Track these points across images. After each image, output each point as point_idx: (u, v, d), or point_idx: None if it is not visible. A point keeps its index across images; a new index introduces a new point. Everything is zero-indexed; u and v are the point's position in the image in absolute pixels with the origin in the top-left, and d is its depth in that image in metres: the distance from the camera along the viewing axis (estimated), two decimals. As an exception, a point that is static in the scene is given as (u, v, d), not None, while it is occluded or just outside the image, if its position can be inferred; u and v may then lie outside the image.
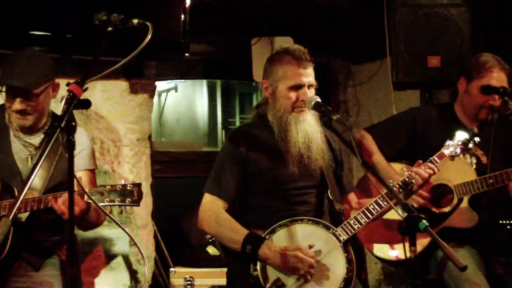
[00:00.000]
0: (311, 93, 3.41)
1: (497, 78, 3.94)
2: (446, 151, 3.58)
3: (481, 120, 4.02)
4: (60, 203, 3.23)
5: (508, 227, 4.24)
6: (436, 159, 3.55)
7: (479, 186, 3.86)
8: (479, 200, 3.94)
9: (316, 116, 3.41)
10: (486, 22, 4.74)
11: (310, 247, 3.24)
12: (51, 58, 3.61)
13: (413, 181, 3.42)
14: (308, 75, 3.41)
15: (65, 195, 3.23)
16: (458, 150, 3.59)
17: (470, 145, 3.61)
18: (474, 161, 4.04)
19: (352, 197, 3.66)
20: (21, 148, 3.52)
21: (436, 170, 3.50)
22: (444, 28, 4.59)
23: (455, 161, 3.98)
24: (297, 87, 3.39)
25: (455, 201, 3.94)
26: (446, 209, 3.96)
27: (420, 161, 3.51)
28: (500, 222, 4.21)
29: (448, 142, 3.60)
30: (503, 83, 3.95)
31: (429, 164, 3.52)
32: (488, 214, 3.96)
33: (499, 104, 3.98)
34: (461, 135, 3.61)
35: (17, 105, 3.42)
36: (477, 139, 3.61)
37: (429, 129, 4.06)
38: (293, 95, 3.39)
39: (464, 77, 4.07)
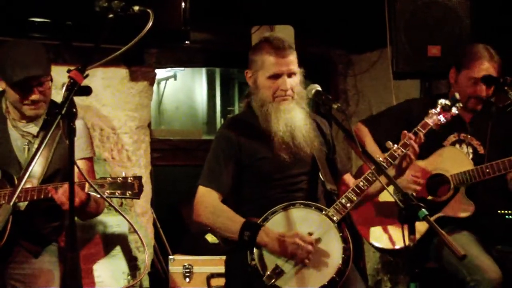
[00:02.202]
0: (293, 81, 3.40)
1: (486, 69, 3.95)
2: (429, 120, 3.53)
3: (471, 109, 4.03)
4: (60, 193, 3.24)
5: (506, 217, 4.26)
6: (421, 128, 3.50)
7: (476, 175, 3.88)
8: (475, 189, 3.96)
9: (300, 102, 3.41)
10: (487, 12, 4.73)
11: (310, 234, 3.24)
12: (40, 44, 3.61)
13: (398, 155, 3.40)
14: (288, 63, 3.38)
15: (65, 186, 3.23)
16: (441, 118, 3.54)
17: (453, 110, 3.57)
18: (471, 150, 4.06)
19: (349, 178, 3.66)
20: (18, 137, 3.52)
21: (422, 139, 3.45)
22: (445, 18, 4.60)
23: (452, 151, 4.01)
24: (276, 77, 3.38)
25: (451, 190, 3.96)
26: (443, 199, 3.98)
27: (405, 131, 3.47)
28: (498, 212, 4.23)
29: (431, 111, 3.56)
30: (492, 74, 3.96)
31: (414, 136, 3.46)
32: (484, 203, 3.98)
33: (486, 95, 3.99)
34: (442, 101, 3.58)
35: (35, 95, 3.41)
36: (459, 105, 3.58)
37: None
38: (272, 84, 3.38)
39: (455, 67, 4.08)
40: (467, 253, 3.69)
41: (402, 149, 3.41)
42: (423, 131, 3.49)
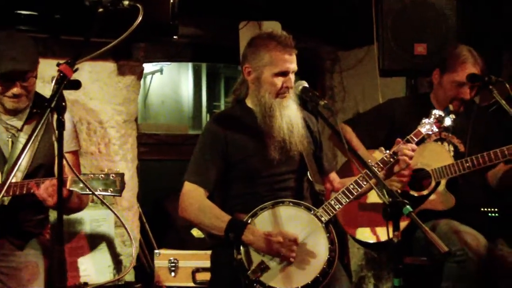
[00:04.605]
0: (293, 78, 3.43)
1: (469, 73, 3.99)
2: (423, 129, 3.59)
3: (453, 111, 4.07)
4: (42, 190, 3.23)
5: (489, 214, 4.31)
6: (413, 137, 3.55)
7: (456, 169, 3.93)
8: (456, 184, 4.01)
9: (295, 100, 3.43)
10: (473, 11, 4.77)
11: (296, 236, 3.25)
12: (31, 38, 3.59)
13: (392, 160, 3.44)
14: (293, 61, 3.40)
15: (47, 182, 3.23)
16: (434, 128, 3.61)
17: (446, 122, 3.63)
18: (452, 148, 4.11)
19: (334, 176, 3.68)
20: (3, 131, 3.50)
21: (415, 147, 3.50)
22: (431, 16, 4.62)
23: (433, 147, 4.06)
24: (283, 74, 3.38)
25: (432, 184, 4.00)
26: (424, 192, 4.02)
27: (399, 139, 3.52)
28: (481, 209, 4.28)
29: (424, 120, 3.62)
30: None
31: (408, 144, 3.50)
32: (466, 199, 4.03)
33: (469, 97, 4.04)
34: (436, 112, 3.63)
35: (16, 89, 3.40)
36: (452, 116, 3.64)
37: (407, 119, 4.10)
38: (278, 81, 3.38)
39: (438, 69, 4.13)
40: (455, 228, 3.75)
41: (394, 156, 3.45)
42: (415, 139, 3.55)
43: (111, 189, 3.23)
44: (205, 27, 5.53)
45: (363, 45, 5.69)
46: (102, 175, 3.23)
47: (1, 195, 2.37)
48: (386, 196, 2.84)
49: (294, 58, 3.41)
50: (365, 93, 5.79)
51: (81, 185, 3.19)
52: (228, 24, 5.34)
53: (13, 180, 3.29)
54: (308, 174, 3.47)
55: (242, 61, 3.51)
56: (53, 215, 3.79)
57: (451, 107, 3.72)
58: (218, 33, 5.56)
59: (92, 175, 3.24)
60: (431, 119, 3.61)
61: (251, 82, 3.48)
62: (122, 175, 3.27)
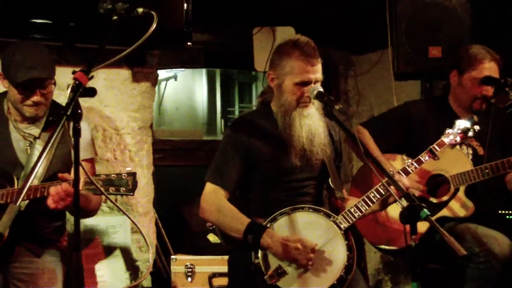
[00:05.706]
0: (317, 87, 3.37)
1: (489, 68, 3.99)
2: (446, 139, 3.60)
3: (476, 110, 4.05)
4: (51, 201, 3.26)
5: (507, 217, 4.28)
6: (436, 147, 3.58)
7: (475, 176, 3.91)
8: (475, 190, 3.98)
9: (319, 108, 3.40)
10: (487, 13, 4.76)
11: (316, 244, 3.25)
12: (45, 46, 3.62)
13: (411, 170, 3.45)
14: (316, 71, 3.35)
15: (58, 187, 3.25)
16: (458, 138, 3.62)
17: (470, 133, 3.63)
18: (470, 152, 4.09)
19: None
20: (20, 139, 3.53)
21: (438, 158, 3.54)
22: (445, 19, 4.62)
23: (452, 152, 4.02)
24: (304, 84, 3.34)
25: (451, 190, 3.98)
26: (443, 199, 4.00)
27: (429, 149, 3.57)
28: (499, 212, 4.26)
29: (448, 130, 3.63)
30: (495, 73, 3.99)
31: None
32: (484, 204, 4.00)
33: (492, 94, 4.02)
34: (461, 123, 3.63)
35: (36, 97, 3.42)
36: (477, 127, 3.64)
37: (424, 122, 4.10)
38: (298, 90, 3.35)
39: (456, 69, 4.10)
40: (477, 230, 3.75)
41: (416, 165, 3.46)
42: (438, 149, 3.57)
43: (123, 188, 3.24)
44: (218, 34, 5.55)
45: (377, 49, 5.68)
46: (114, 175, 3.25)
47: (19, 201, 2.39)
48: (404, 200, 2.84)
49: (317, 68, 3.35)
50: (380, 97, 5.78)
51: (94, 186, 3.20)
52: (241, 30, 5.36)
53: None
54: (330, 181, 3.47)
55: (269, 67, 3.50)
56: (69, 222, 3.81)
57: (475, 117, 3.70)
58: (231, 39, 5.58)
59: (104, 176, 3.26)
60: (456, 130, 3.61)
61: (274, 89, 3.46)
62: (134, 174, 3.28)
